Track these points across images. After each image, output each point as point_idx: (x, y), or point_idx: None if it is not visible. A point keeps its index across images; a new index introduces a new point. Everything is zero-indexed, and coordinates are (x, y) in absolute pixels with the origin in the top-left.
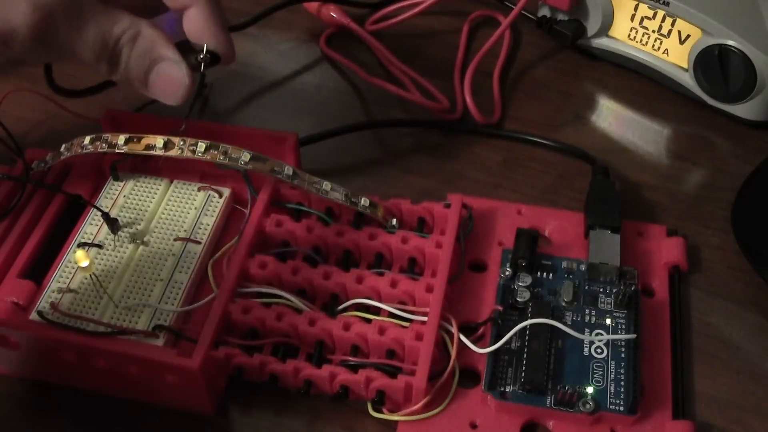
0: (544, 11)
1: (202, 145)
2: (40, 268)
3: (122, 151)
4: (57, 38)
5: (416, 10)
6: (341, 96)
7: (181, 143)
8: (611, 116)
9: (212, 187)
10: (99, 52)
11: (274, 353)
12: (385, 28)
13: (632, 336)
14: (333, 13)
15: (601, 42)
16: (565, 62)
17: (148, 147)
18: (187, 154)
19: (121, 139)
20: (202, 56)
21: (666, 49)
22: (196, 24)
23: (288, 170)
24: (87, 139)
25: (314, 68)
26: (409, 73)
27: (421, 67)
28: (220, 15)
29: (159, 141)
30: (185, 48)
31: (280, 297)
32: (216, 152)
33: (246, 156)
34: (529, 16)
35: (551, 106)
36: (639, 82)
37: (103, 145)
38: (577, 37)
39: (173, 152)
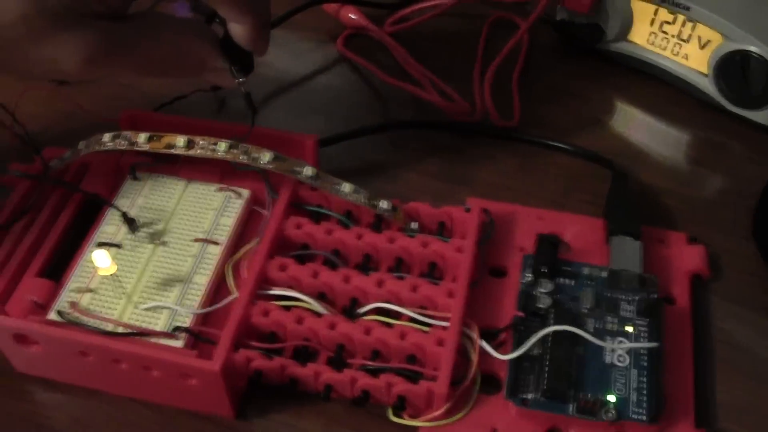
0: (563, 15)
1: (222, 145)
2: (58, 267)
3: (143, 149)
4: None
5: (435, 11)
6: (359, 97)
7: (202, 143)
8: (630, 121)
9: (231, 188)
10: (151, 73)
11: (294, 356)
12: (403, 30)
13: (654, 344)
14: (352, 14)
15: (620, 46)
16: (584, 66)
17: (169, 146)
18: (208, 153)
19: (142, 137)
20: (239, 81)
21: (686, 54)
22: (237, 35)
23: (309, 171)
24: (107, 137)
25: (332, 69)
26: (427, 75)
27: (439, 68)
28: (264, 29)
29: (180, 140)
30: (197, 8)
31: (299, 300)
32: (237, 152)
33: (267, 156)
34: (548, 19)
35: (569, 110)
36: (658, 87)
37: (123, 142)
38: (596, 41)
39: (194, 152)
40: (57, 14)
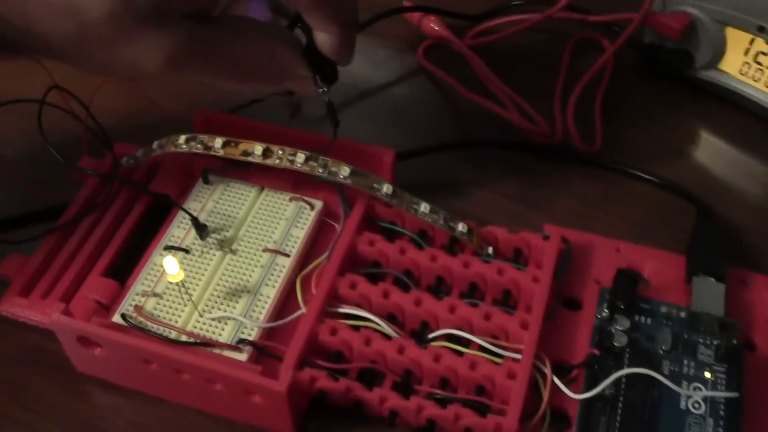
0: (651, 38)
1: (301, 156)
2: (124, 267)
3: (218, 154)
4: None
5: (519, 26)
6: (436, 110)
7: (280, 152)
8: (714, 152)
9: (304, 198)
10: (231, 77)
11: (359, 378)
12: (485, 43)
13: (734, 394)
14: (433, 24)
15: (709, 74)
16: (670, 93)
17: (246, 153)
18: (286, 164)
19: (218, 142)
20: (322, 90)
21: None
22: (323, 44)
23: (387, 188)
24: (182, 139)
25: (409, 79)
26: (507, 92)
27: (519, 86)
28: (350, 39)
29: (257, 148)
30: (278, 9)
31: (368, 320)
32: (315, 164)
33: (345, 170)
34: (635, 41)
35: (651, 137)
36: (747, 119)
37: (198, 146)
38: (685, 67)
39: (271, 161)
40: (144, 13)
